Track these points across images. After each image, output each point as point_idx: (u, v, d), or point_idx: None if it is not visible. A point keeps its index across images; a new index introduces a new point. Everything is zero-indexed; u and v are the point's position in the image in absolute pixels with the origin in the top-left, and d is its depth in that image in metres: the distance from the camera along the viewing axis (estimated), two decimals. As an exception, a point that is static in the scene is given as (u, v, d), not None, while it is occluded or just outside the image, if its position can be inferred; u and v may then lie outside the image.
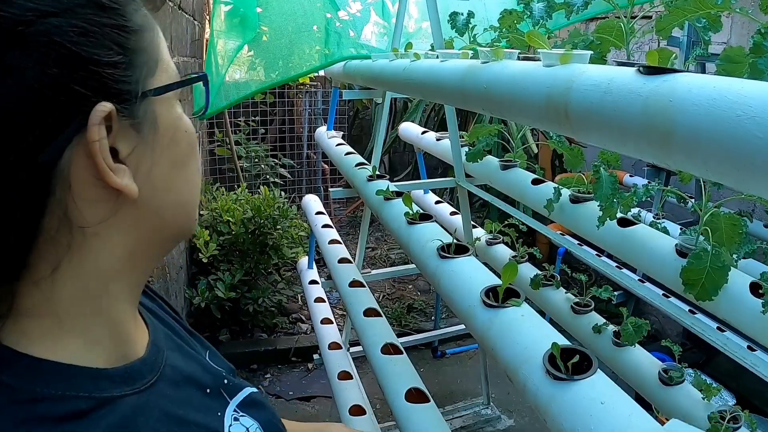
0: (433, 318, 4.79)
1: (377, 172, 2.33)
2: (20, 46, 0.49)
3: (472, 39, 2.18)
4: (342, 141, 3.21)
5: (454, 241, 1.54)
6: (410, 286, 5.45)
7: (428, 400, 1.75)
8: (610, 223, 1.74)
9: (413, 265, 3.69)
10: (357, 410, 2.30)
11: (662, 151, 0.76)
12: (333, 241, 2.85)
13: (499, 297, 1.24)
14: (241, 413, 0.78)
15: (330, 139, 3.30)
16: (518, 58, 1.30)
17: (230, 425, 0.73)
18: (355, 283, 2.36)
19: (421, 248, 1.60)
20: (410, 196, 1.82)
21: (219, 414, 0.74)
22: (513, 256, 2.77)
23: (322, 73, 7.03)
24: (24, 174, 0.51)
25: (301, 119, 6.52)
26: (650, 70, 0.81)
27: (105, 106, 0.54)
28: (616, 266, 3.34)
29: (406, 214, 1.78)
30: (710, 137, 0.66)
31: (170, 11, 3.02)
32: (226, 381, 0.81)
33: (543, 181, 2.27)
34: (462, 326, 3.91)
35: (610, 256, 3.31)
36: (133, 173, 0.58)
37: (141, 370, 0.63)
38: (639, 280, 3.20)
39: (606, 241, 1.84)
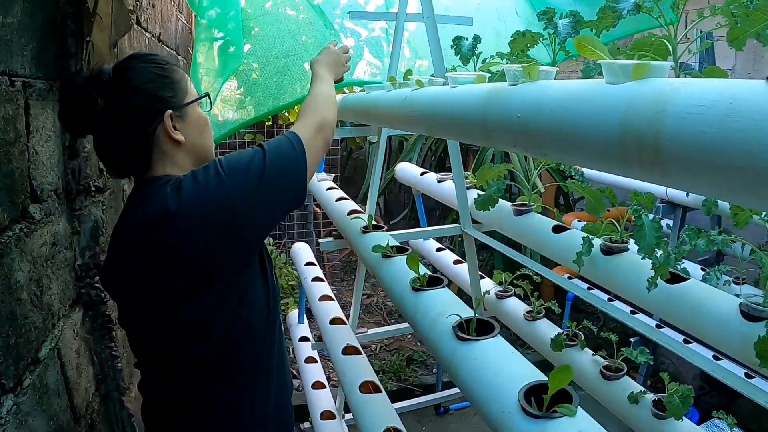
0: (434, 371, 4.46)
1: (373, 221, 2.02)
2: (141, 93, 1.33)
3: (480, 67, 1.90)
4: (333, 184, 2.92)
5: (476, 316, 1.24)
6: (409, 336, 5.10)
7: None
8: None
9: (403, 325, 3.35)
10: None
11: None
12: (324, 297, 2.54)
13: (544, 404, 0.94)
14: None
15: (320, 182, 3.00)
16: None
17: None
18: (349, 350, 2.05)
19: (432, 324, 1.29)
20: (416, 257, 1.50)
21: None
22: (528, 311, 2.47)
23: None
24: (148, 132, 1.34)
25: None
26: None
27: (169, 112, 1.35)
28: (631, 311, 3.08)
29: (413, 280, 1.47)
30: None
31: (147, 42, 2.75)
32: None
33: (565, 228, 1.98)
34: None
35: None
36: (182, 133, 1.37)
37: None
38: (656, 325, 2.98)
39: (650, 302, 1.54)
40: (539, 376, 1.05)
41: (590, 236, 1.75)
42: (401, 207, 6.24)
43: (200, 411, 1.41)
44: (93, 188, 1.76)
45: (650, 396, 1.79)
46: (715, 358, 2.62)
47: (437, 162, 5.44)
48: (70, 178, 1.68)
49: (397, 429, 1.63)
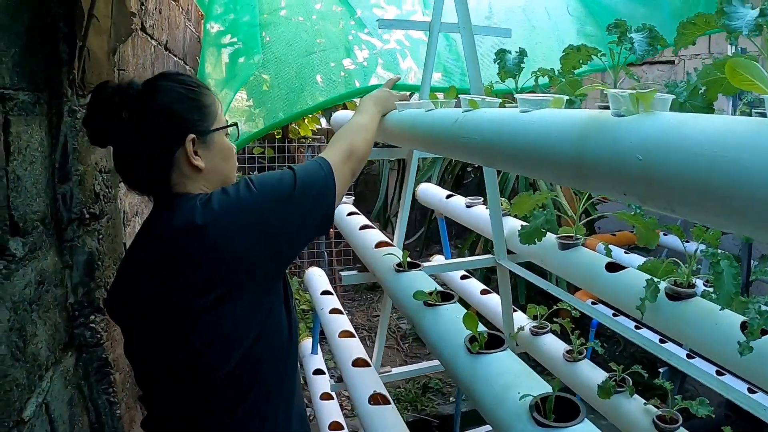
0: (452, 399, 4.22)
1: (408, 258, 1.78)
2: (165, 112, 1.33)
3: (532, 84, 1.68)
4: (354, 209, 2.69)
5: (555, 394, 1.02)
6: (424, 362, 4.89)
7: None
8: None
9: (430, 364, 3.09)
10: None
11: None
12: (345, 334, 2.29)
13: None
14: None
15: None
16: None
17: None
18: (377, 399, 1.81)
19: (500, 400, 1.06)
20: (474, 317, 1.26)
21: None
22: (568, 351, 2.24)
23: (325, 124, 6.67)
24: (169, 153, 1.32)
25: (302, 175, 6.05)
26: None
27: (191, 136, 1.33)
28: (660, 339, 2.87)
29: (473, 343, 1.24)
30: None
31: (153, 50, 2.54)
32: None
33: (621, 267, 1.75)
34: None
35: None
36: (204, 159, 1.36)
37: None
38: (687, 355, 2.87)
39: (738, 363, 1.32)
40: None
41: (654, 279, 1.53)
42: (413, 226, 6.00)
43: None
44: (87, 215, 1.54)
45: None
46: (750, 390, 2.45)
47: (455, 180, 5.23)
48: (61, 205, 1.46)
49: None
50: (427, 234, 5.48)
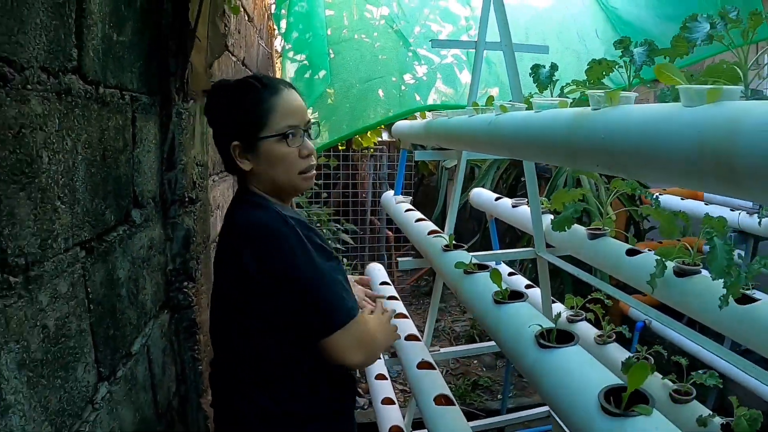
0: (499, 396, 4.44)
1: (453, 241, 2.08)
2: (220, 115, 1.63)
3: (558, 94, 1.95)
4: (411, 207, 2.99)
5: (555, 326, 1.28)
6: (475, 361, 5.12)
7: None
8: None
9: (485, 344, 3.38)
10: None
11: None
12: (399, 315, 2.59)
13: (622, 403, 0.99)
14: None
15: (398, 204, 3.08)
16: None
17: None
18: (424, 365, 2.09)
19: (515, 334, 1.34)
20: (499, 272, 1.56)
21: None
22: (599, 335, 2.48)
23: (387, 137, 6.97)
24: (227, 152, 1.57)
25: (365, 184, 6.35)
26: None
27: (235, 142, 1.53)
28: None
29: (497, 293, 1.52)
30: None
31: (233, 66, 2.89)
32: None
33: (639, 252, 1.99)
34: (534, 411, 3.56)
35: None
36: (252, 163, 1.54)
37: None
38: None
39: (723, 323, 1.56)
40: (617, 380, 1.09)
41: (663, 259, 1.77)
42: (470, 234, 6.25)
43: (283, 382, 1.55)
44: (187, 199, 1.87)
45: (719, 420, 1.78)
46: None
47: (509, 190, 5.46)
48: (167, 188, 1.80)
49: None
50: (482, 241, 5.71)
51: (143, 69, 1.59)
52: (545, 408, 3.27)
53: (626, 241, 2.22)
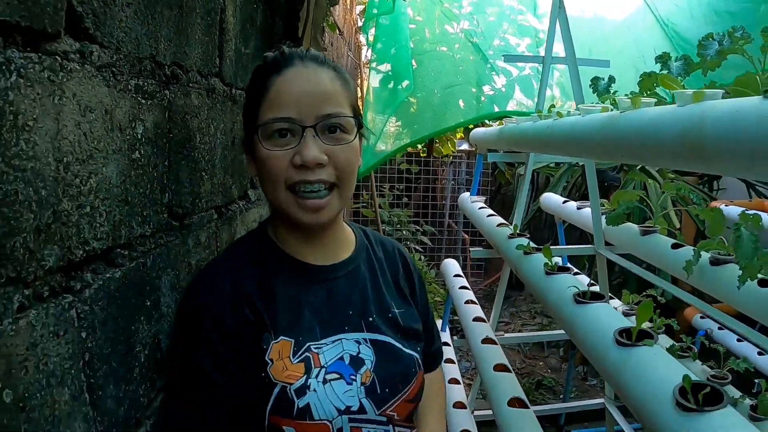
0: (561, 396, 4.64)
1: (518, 230, 2.36)
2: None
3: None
4: (484, 205, 3.28)
5: (590, 289, 1.54)
6: (541, 363, 5.34)
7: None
8: (751, 285, 1.69)
9: (547, 332, 3.62)
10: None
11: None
12: (469, 302, 2.88)
13: (632, 337, 1.23)
14: (367, 345, 1.16)
15: (473, 203, 3.38)
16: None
17: (342, 340, 1.15)
18: (487, 341, 2.37)
19: (558, 297, 1.60)
20: (549, 249, 1.83)
21: (344, 327, 1.18)
22: (649, 328, 2.69)
23: (465, 146, 7.25)
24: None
25: (444, 189, 6.65)
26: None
27: (242, 134, 1.26)
28: (758, 353, 3.18)
29: (545, 264, 1.79)
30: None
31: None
32: (371, 318, 1.20)
33: (682, 246, 2.22)
34: (590, 402, 3.77)
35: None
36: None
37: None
38: None
39: (746, 305, 1.78)
40: (630, 324, 1.31)
41: (700, 250, 1.99)
42: (544, 242, 6.46)
43: None
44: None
45: (749, 401, 1.99)
46: None
47: (581, 197, 5.65)
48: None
49: (520, 399, 1.92)
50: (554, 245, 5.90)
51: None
52: (601, 400, 3.48)
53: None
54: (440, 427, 1.37)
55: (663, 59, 1.70)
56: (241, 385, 1.10)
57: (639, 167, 4.43)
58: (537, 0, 4.90)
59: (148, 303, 1.13)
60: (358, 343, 1.16)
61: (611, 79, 2.25)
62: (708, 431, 0.92)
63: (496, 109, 5.38)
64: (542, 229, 6.90)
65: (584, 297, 1.52)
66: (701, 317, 3.67)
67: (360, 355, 1.14)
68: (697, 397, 0.98)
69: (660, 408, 1.04)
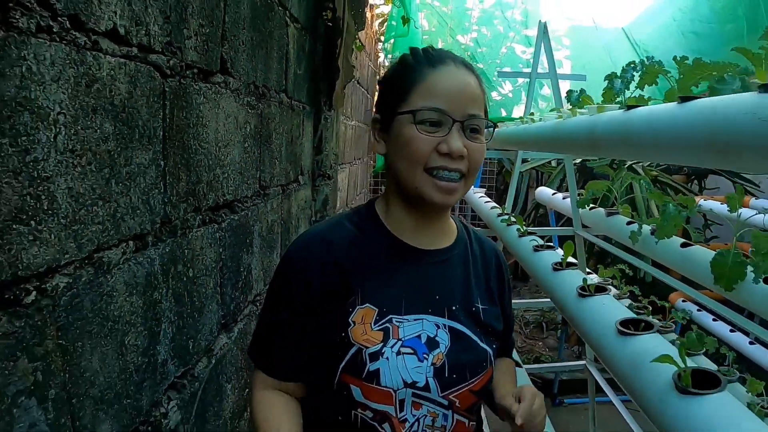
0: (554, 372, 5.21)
1: (505, 211, 2.98)
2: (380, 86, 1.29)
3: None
4: (483, 195, 3.90)
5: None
6: (540, 343, 5.90)
7: None
8: (672, 245, 2.26)
9: (540, 300, 4.21)
10: None
11: None
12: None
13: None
14: (445, 330, 1.21)
15: (474, 193, 4.01)
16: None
17: (423, 320, 1.19)
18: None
19: (542, 266, 2.09)
20: (521, 218, 2.44)
21: (428, 309, 1.21)
22: (618, 297, 3.27)
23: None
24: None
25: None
26: None
27: (376, 115, 1.26)
28: (731, 330, 3.67)
29: (517, 230, 2.40)
30: None
31: (353, 83, 3.86)
32: (454, 308, 1.24)
33: (634, 222, 2.81)
34: (573, 363, 4.36)
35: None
36: (387, 145, 1.22)
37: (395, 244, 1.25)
38: (749, 342, 3.47)
39: (665, 259, 2.34)
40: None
41: (642, 223, 2.57)
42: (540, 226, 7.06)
43: None
44: (326, 175, 2.83)
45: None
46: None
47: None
48: (315, 166, 2.77)
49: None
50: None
51: (307, 90, 2.56)
52: (582, 362, 4.06)
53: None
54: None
55: (609, 78, 2.30)
56: (318, 340, 1.19)
57: (627, 166, 5.03)
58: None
59: (247, 241, 1.75)
60: (438, 327, 1.20)
61: (582, 92, 2.85)
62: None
63: (503, 113, 5.99)
64: (537, 217, 7.50)
65: (561, 266, 2.09)
66: (683, 301, 4.14)
67: (437, 338, 1.18)
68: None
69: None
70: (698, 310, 3.86)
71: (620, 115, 1.50)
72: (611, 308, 1.56)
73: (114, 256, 1.01)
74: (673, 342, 2.26)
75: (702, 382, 1.07)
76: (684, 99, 1.23)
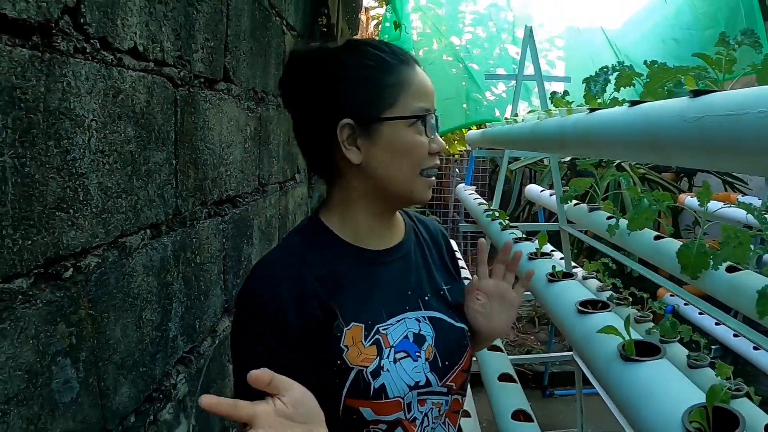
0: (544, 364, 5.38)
1: (492, 207, 3.15)
2: (326, 89, 1.09)
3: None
4: (473, 192, 4.06)
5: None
6: (532, 337, 6.06)
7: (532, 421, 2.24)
8: (647, 238, 2.42)
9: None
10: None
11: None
12: (465, 279, 3.63)
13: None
14: (426, 322, 1.20)
15: (465, 191, 4.16)
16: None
17: (405, 320, 1.17)
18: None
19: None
20: (504, 212, 2.60)
21: (405, 307, 1.18)
22: (599, 288, 3.43)
23: (470, 148, 7.99)
24: (323, 138, 1.09)
25: (449, 184, 7.41)
26: None
27: (345, 120, 1.07)
28: (716, 323, 3.80)
29: (500, 223, 2.56)
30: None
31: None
32: (427, 297, 1.23)
33: (613, 216, 2.96)
34: (560, 354, 4.53)
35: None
36: (364, 153, 1.08)
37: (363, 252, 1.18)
38: (734, 335, 3.65)
39: (637, 250, 2.49)
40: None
41: (620, 216, 2.73)
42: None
43: None
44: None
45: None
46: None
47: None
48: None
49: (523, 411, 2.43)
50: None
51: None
52: (570, 353, 4.22)
53: (664, 230, 3.10)
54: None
55: (587, 81, 2.46)
56: (310, 373, 1.07)
57: (615, 165, 5.18)
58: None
59: (248, 233, 1.92)
60: (419, 321, 1.19)
61: (565, 93, 3.01)
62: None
63: (497, 114, 6.13)
64: (530, 215, 7.65)
65: (536, 255, 2.24)
66: (671, 295, 4.22)
67: (421, 332, 1.18)
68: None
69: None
70: (685, 304, 3.99)
71: (584, 117, 1.66)
72: (574, 291, 1.68)
73: (134, 242, 1.17)
74: (648, 331, 2.45)
75: (645, 352, 1.18)
76: (633, 103, 1.39)
